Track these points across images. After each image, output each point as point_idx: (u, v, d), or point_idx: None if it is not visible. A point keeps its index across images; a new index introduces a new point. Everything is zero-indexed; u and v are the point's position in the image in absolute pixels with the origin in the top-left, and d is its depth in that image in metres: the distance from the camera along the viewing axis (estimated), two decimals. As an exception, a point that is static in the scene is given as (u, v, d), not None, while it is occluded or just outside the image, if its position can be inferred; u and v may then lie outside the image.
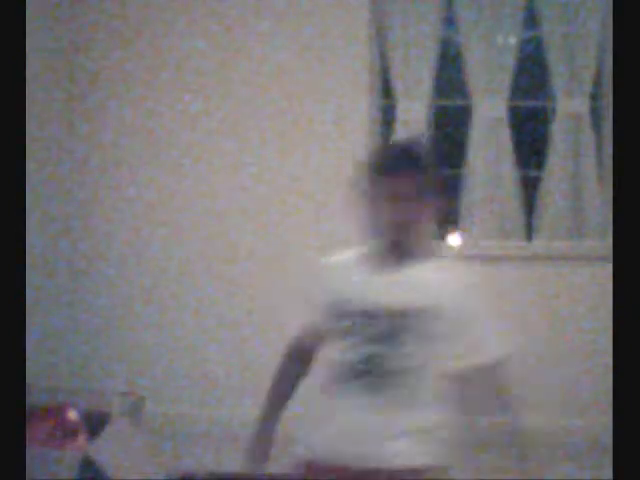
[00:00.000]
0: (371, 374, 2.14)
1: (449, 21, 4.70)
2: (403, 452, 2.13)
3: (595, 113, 4.64)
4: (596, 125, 4.63)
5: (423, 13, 4.63)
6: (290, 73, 4.64)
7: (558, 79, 4.61)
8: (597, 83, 4.62)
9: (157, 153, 4.73)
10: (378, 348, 2.13)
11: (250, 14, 4.66)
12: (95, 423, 3.28)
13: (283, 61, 4.64)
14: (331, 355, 2.21)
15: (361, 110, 4.63)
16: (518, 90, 4.72)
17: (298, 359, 2.34)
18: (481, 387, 2.19)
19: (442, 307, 2.13)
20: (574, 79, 4.60)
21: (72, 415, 3.23)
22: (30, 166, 3.68)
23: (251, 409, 5.02)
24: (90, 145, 4.75)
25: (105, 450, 3.15)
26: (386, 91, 4.77)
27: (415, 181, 2.15)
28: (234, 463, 4.25)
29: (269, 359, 5.08)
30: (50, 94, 4.56)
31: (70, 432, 3.16)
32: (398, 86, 4.68)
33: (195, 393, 4.72)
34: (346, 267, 2.27)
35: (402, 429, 2.13)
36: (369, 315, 2.15)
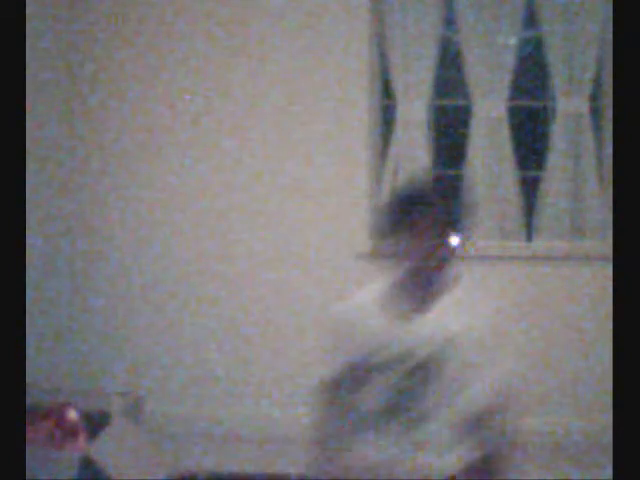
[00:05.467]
0: (401, 416, 2.20)
1: (449, 21, 4.70)
2: None
3: (595, 113, 4.64)
4: (596, 125, 4.62)
5: (423, 13, 4.63)
6: (290, 73, 4.64)
7: (558, 79, 4.61)
8: (597, 83, 4.61)
9: (157, 153, 4.73)
10: (408, 391, 2.18)
11: (250, 14, 4.66)
12: (95, 423, 3.28)
13: (283, 61, 4.64)
14: (361, 399, 2.25)
15: (361, 110, 4.63)
16: (518, 90, 4.72)
17: (333, 404, 2.35)
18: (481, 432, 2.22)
19: (457, 346, 2.18)
20: (574, 79, 4.60)
21: (72, 415, 3.23)
22: (30, 166, 3.68)
23: (251, 409, 5.04)
24: (90, 145, 4.75)
25: (105, 450, 3.15)
26: (386, 91, 4.77)
27: (440, 218, 2.22)
28: (234, 463, 4.27)
29: (269, 359, 5.11)
30: (50, 94, 4.56)
31: (70, 432, 3.16)
32: (398, 86, 4.67)
33: (195, 393, 4.72)
34: (365, 312, 2.27)
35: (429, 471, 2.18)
36: (397, 360, 2.19)
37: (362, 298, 2.32)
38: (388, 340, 2.21)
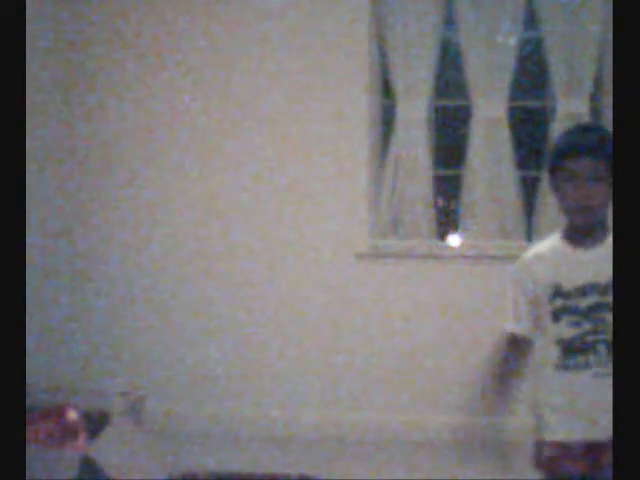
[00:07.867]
0: (591, 348, 2.33)
1: (449, 21, 4.70)
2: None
3: (595, 113, 4.64)
4: (596, 125, 4.63)
5: (423, 13, 4.63)
6: (290, 73, 4.64)
7: (558, 79, 4.61)
8: (597, 83, 4.62)
9: (157, 153, 4.73)
10: (593, 322, 2.32)
11: (250, 14, 4.66)
12: (95, 423, 3.29)
13: (283, 61, 4.64)
14: (551, 334, 2.37)
15: (361, 110, 4.63)
16: (518, 90, 4.72)
17: (516, 352, 2.47)
18: None
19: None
20: (574, 79, 4.60)
21: (72, 415, 3.23)
22: (30, 166, 3.68)
23: (251, 409, 5.03)
24: (90, 145, 4.75)
25: (105, 450, 3.15)
26: (386, 91, 4.77)
27: (595, 164, 2.30)
28: (234, 463, 4.27)
29: (269, 359, 5.10)
30: (50, 94, 4.56)
31: (70, 432, 3.17)
32: (398, 86, 4.67)
33: (195, 392, 4.72)
34: (547, 254, 2.43)
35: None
36: (579, 293, 2.33)
37: (541, 245, 2.49)
38: (571, 271, 2.36)
